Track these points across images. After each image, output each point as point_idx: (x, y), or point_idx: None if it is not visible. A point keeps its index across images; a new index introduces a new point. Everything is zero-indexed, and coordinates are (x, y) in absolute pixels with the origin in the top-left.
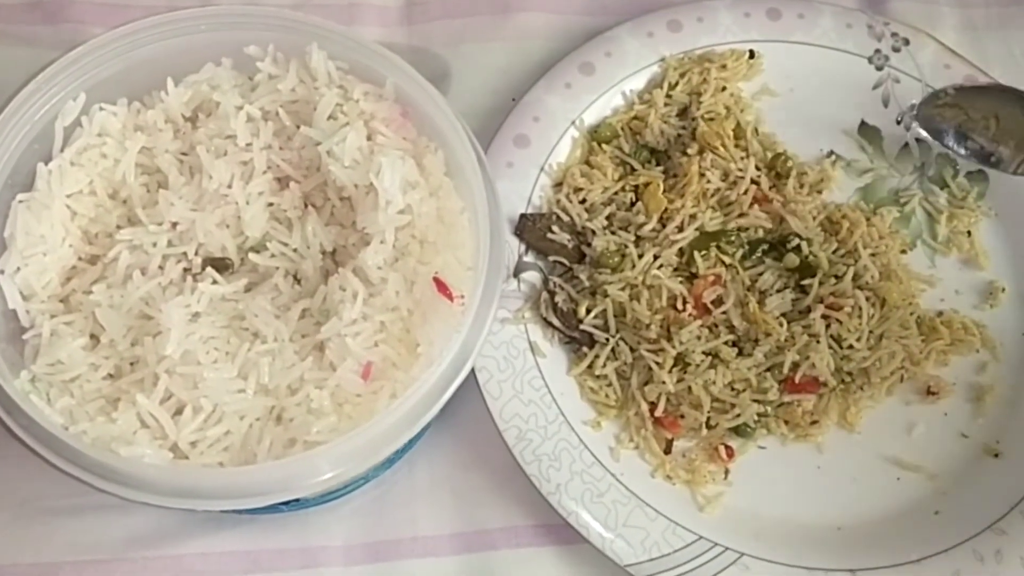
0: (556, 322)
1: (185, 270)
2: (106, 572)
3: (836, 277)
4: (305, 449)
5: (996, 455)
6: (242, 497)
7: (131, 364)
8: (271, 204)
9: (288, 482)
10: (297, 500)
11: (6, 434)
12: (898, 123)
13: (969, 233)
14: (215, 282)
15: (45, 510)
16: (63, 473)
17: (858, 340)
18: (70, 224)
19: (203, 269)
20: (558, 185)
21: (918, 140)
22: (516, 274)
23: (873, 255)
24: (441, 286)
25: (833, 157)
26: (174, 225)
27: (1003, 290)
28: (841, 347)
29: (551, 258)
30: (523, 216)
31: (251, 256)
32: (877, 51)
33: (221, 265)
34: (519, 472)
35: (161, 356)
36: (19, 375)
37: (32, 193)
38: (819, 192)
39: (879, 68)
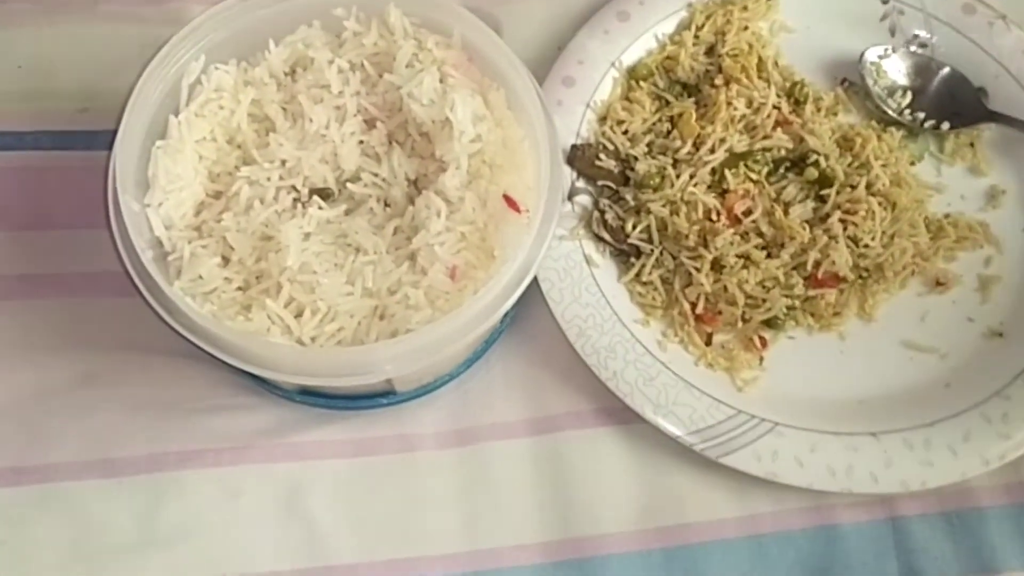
0: (607, 237)
1: (295, 199)
2: (238, 456)
3: (851, 187)
4: None
5: (1000, 335)
6: (354, 375)
7: (257, 277)
8: (362, 142)
9: (394, 360)
10: (395, 394)
11: (153, 349)
12: (842, 83)
13: (972, 144)
14: (321, 207)
15: (187, 410)
16: (213, 358)
17: (872, 239)
18: (198, 165)
19: (310, 197)
20: (603, 119)
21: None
22: (570, 197)
23: (884, 166)
24: (510, 201)
25: (846, 84)
26: (283, 162)
27: (1004, 192)
28: (857, 246)
29: (600, 182)
30: (573, 147)
31: (348, 185)
32: None
33: (324, 194)
34: (580, 364)
35: (283, 268)
36: (172, 285)
37: (167, 140)
38: (834, 115)
39: (885, 2)
